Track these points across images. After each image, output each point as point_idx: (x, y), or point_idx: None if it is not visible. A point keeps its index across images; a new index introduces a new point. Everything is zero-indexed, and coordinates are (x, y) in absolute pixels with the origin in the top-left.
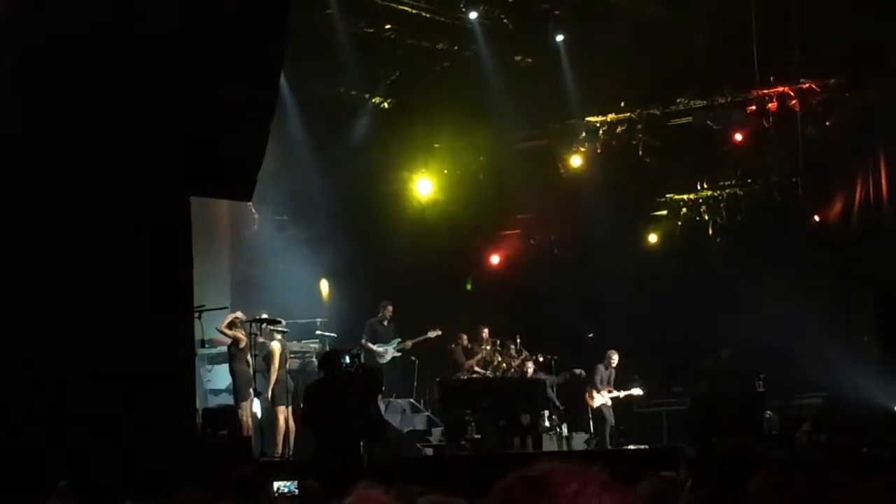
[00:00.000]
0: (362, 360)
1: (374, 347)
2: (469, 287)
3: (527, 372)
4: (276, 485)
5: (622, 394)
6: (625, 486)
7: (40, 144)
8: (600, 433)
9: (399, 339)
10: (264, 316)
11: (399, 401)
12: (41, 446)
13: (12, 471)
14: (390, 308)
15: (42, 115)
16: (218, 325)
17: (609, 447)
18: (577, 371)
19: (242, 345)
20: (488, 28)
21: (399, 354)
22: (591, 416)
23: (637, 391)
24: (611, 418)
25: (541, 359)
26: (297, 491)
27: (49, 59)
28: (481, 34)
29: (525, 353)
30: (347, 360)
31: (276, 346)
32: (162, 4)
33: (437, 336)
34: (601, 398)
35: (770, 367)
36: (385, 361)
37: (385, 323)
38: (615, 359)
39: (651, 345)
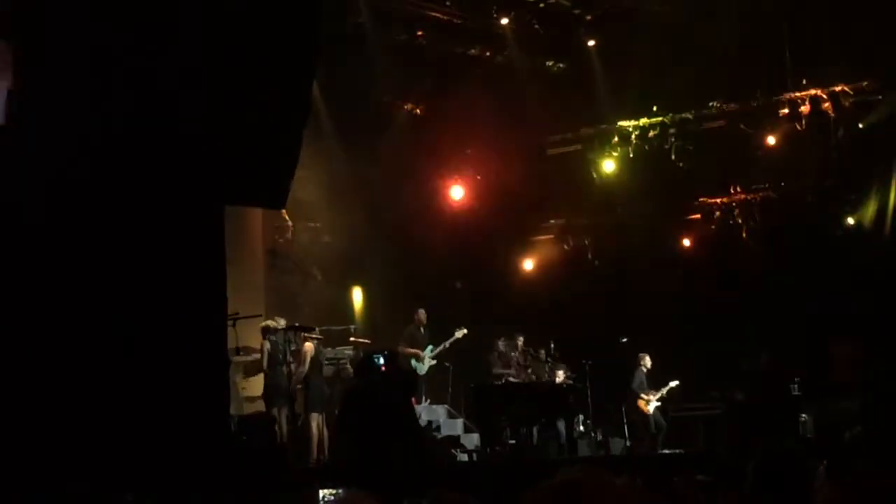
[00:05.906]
0: (397, 360)
1: (412, 352)
2: None
3: (557, 378)
4: (321, 492)
5: (664, 390)
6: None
7: (75, 153)
8: (636, 438)
9: (431, 346)
10: (297, 324)
11: (435, 406)
12: (77, 456)
13: (50, 480)
14: (422, 312)
15: (74, 121)
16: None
17: (645, 452)
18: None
19: (271, 351)
20: (520, 34)
21: (434, 362)
22: (626, 421)
23: (674, 382)
24: (662, 421)
25: (562, 367)
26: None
27: (83, 65)
28: (513, 40)
29: (557, 359)
30: (382, 360)
31: (308, 345)
32: (194, 11)
33: (465, 335)
34: (654, 403)
35: (806, 371)
36: (423, 371)
37: (422, 329)
38: (648, 361)
39: (686, 348)
